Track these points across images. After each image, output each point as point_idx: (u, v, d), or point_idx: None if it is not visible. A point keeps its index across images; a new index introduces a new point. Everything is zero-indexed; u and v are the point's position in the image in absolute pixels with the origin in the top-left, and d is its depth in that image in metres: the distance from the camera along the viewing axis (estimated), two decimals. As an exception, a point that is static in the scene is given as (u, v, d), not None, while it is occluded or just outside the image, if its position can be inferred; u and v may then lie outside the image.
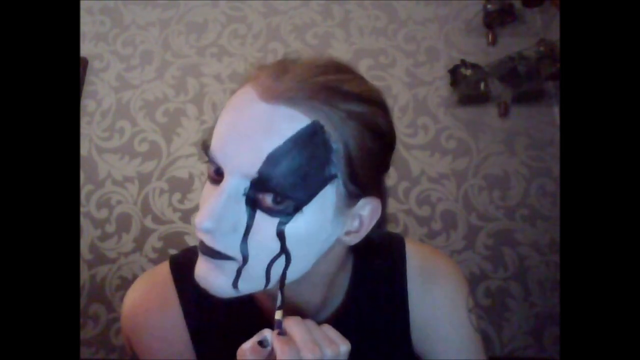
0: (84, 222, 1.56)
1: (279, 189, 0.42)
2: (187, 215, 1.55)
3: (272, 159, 0.42)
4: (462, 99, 1.61)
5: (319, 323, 0.58)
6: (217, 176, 0.46)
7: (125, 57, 1.78)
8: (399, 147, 1.58)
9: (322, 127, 0.43)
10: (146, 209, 1.56)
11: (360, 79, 0.49)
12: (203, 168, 1.58)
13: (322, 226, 0.46)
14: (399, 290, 0.61)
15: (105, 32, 1.83)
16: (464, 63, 1.57)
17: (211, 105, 1.68)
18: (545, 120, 1.57)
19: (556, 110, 1.58)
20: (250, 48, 1.76)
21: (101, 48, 1.80)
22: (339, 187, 0.45)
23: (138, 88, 1.73)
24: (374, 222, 0.50)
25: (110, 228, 1.55)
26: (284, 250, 0.45)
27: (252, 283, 0.47)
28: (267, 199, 0.43)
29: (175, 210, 1.55)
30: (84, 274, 1.50)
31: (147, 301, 0.60)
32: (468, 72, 1.56)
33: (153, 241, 1.53)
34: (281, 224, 0.44)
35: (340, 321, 0.59)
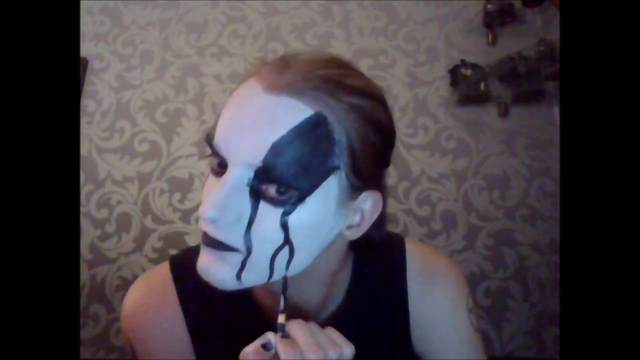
0: (84, 222, 1.56)
1: (282, 179, 0.43)
2: (187, 215, 1.55)
3: (276, 149, 0.42)
4: (462, 99, 1.61)
5: (320, 323, 0.58)
6: (220, 169, 0.46)
7: (125, 57, 1.78)
8: (399, 147, 1.58)
9: (325, 119, 0.43)
10: (146, 209, 1.56)
11: (360, 74, 0.49)
12: (203, 168, 1.59)
13: (325, 218, 0.46)
14: (399, 290, 0.61)
15: (105, 32, 1.83)
16: (464, 63, 1.57)
17: (211, 105, 1.68)
18: (545, 120, 1.57)
19: (556, 110, 1.58)
20: (250, 48, 1.76)
21: (101, 48, 1.80)
22: (342, 179, 0.45)
23: (138, 88, 1.73)
24: (375, 217, 0.51)
25: (110, 228, 1.55)
26: (287, 241, 0.45)
27: (255, 275, 0.47)
28: (271, 190, 0.44)
29: (175, 210, 1.55)
30: (84, 274, 1.50)
31: (147, 301, 0.60)
32: (468, 72, 1.56)
33: (153, 241, 1.53)
34: (285, 215, 0.44)
35: (341, 320, 0.59)
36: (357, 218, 0.50)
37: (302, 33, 1.77)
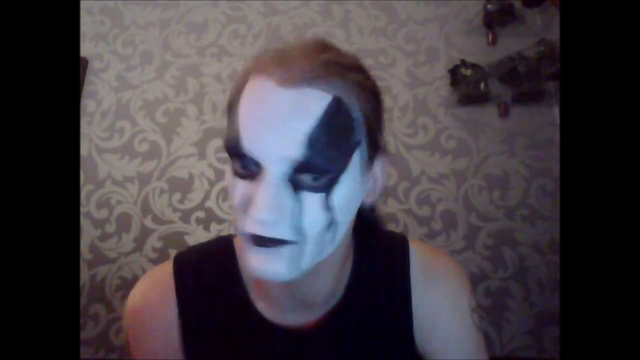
0: (84, 222, 1.56)
1: (319, 167, 0.45)
2: (187, 215, 1.55)
3: (310, 140, 0.44)
4: (462, 99, 1.61)
5: (320, 317, 0.59)
6: (245, 170, 0.47)
7: (125, 57, 1.78)
8: (399, 147, 1.58)
9: (342, 100, 0.46)
10: (146, 209, 1.56)
11: (343, 51, 0.52)
12: (203, 168, 1.59)
13: (355, 190, 0.49)
14: (401, 288, 0.61)
15: (105, 32, 1.83)
16: (464, 63, 1.57)
17: (211, 105, 1.68)
18: (545, 120, 1.57)
19: (556, 110, 1.58)
20: (250, 48, 1.76)
21: (101, 48, 1.80)
22: (362, 151, 0.49)
23: (138, 88, 1.73)
24: (384, 180, 0.55)
25: (110, 228, 1.55)
26: (332, 221, 0.48)
27: (310, 258, 0.49)
28: (309, 178, 0.46)
29: (175, 210, 1.55)
30: (84, 274, 1.50)
31: (148, 299, 0.61)
32: (468, 72, 1.55)
33: (153, 241, 1.53)
34: (326, 198, 0.47)
35: (340, 316, 0.60)
36: (371, 183, 0.53)
37: (302, 33, 1.77)
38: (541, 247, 1.44)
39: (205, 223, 1.54)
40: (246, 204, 0.47)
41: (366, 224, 0.61)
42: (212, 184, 1.58)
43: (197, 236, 1.52)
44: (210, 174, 1.59)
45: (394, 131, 1.60)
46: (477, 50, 1.67)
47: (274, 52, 0.49)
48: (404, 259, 0.62)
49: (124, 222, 1.55)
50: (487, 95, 1.59)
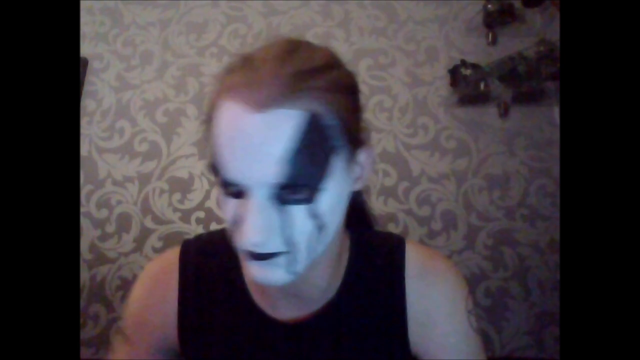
0: (84, 222, 1.56)
1: (301, 183, 0.46)
2: (187, 215, 1.55)
3: (288, 162, 0.45)
4: (462, 99, 1.61)
5: (314, 313, 0.60)
6: (232, 190, 0.48)
7: (125, 57, 1.78)
8: (399, 147, 1.58)
9: (314, 114, 0.46)
10: (146, 209, 1.56)
11: (313, 47, 0.52)
12: (203, 168, 1.59)
13: (341, 188, 0.50)
14: (396, 289, 0.61)
15: (105, 32, 1.83)
16: (464, 63, 1.57)
17: (211, 105, 1.68)
18: (545, 120, 1.57)
19: (556, 110, 1.58)
20: (250, 48, 1.75)
21: (101, 48, 1.80)
22: (342, 152, 0.49)
23: (138, 88, 1.73)
24: (371, 164, 0.55)
25: (110, 228, 1.55)
26: (321, 226, 0.49)
27: (304, 262, 0.51)
28: (293, 194, 0.47)
29: (175, 210, 1.55)
30: (84, 274, 1.50)
31: (153, 283, 0.64)
32: (468, 72, 1.55)
33: (153, 241, 1.53)
34: (312, 208, 0.48)
35: (333, 313, 0.60)
36: (358, 170, 0.54)
37: (302, 33, 1.77)
38: (541, 247, 1.44)
39: (205, 223, 1.54)
40: (238, 222, 0.49)
41: (357, 212, 0.63)
42: (212, 184, 1.58)
43: (197, 236, 1.52)
44: (210, 174, 1.59)
45: (394, 131, 1.60)
46: (477, 50, 1.67)
47: (240, 68, 0.49)
48: (399, 258, 0.62)
49: (124, 222, 1.55)
50: (487, 95, 1.59)
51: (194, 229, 1.53)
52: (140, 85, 1.73)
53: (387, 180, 1.55)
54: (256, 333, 0.61)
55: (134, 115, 1.69)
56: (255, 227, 0.46)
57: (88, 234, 1.54)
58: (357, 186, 0.55)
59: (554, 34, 1.57)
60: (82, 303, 1.47)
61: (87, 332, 1.44)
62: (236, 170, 0.46)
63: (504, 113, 1.58)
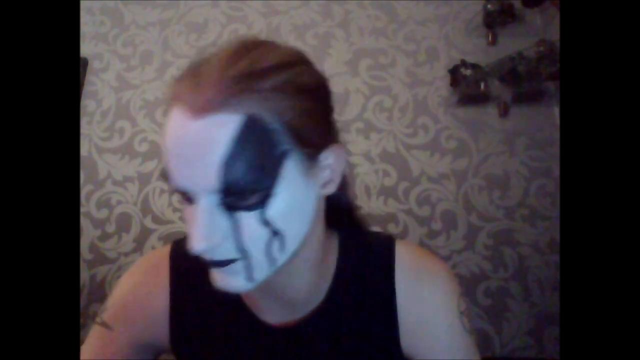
0: (84, 222, 1.56)
1: (245, 189, 0.44)
2: (187, 215, 1.55)
3: (226, 167, 0.43)
4: (462, 99, 1.61)
5: (303, 317, 0.59)
6: (183, 197, 0.48)
7: (125, 57, 1.78)
8: (399, 147, 1.58)
9: (254, 118, 0.44)
10: (146, 209, 1.56)
11: (272, 46, 0.50)
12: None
13: (298, 194, 0.48)
14: (386, 290, 0.61)
15: (105, 32, 1.83)
16: (464, 63, 1.57)
17: (211, 105, 1.68)
18: (545, 120, 1.57)
19: (556, 110, 1.58)
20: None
21: (101, 48, 1.80)
22: (296, 156, 0.47)
23: (138, 88, 1.73)
24: (343, 167, 0.53)
25: (110, 228, 1.55)
26: (275, 232, 0.48)
27: (263, 270, 0.49)
28: (239, 200, 0.45)
29: (175, 210, 1.55)
30: (84, 274, 1.50)
31: (142, 280, 0.64)
32: (468, 72, 1.55)
33: (153, 241, 1.53)
34: (262, 213, 0.46)
35: (323, 315, 0.60)
36: (327, 174, 0.52)
37: (302, 33, 1.77)
38: (541, 247, 1.44)
39: (205, 223, 1.53)
40: (189, 227, 0.48)
41: (343, 214, 0.62)
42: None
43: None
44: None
45: (394, 131, 1.60)
46: (477, 50, 1.67)
47: (188, 73, 0.47)
48: (389, 259, 0.61)
49: (124, 222, 1.55)
50: (487, 95, 1.59)
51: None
52: (140, 85, 1.73)
53: (387, 180, 1.55)
54: (246, 336, 0.61)
55: (134, 115, 1.69)
56: (199, 233, 0.45)
57: (88, 234, 1.54)
58: (330, 189, 0.53)
59: (554, 34, 1.57)
60: (82, 303, 1.47)
61: (87, 332, 1.44)
62: (180, 177, 0.45)
63: (504, 113, 1.58)
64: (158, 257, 0.65)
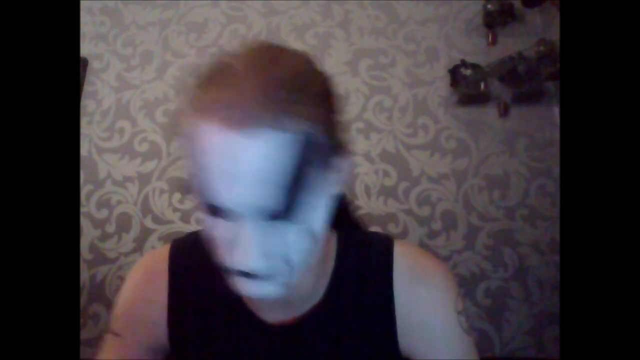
0: (84, 222, 1.56)
1: (298, 206, 0.45)
2: (187, 215, 1.55)
3: (282, 187, 0.43)
4: (462, 99, 1.61)
5: (301, 315, 0.59)
6: (221, 213, 0.46)
7: (125, 57, 1.78)
8: (399, 147, 1.58)
9: (305, 133, 0.43)
10: (146, 209, 1.56)
11: (290, 55, 0.48)
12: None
13: (326, 199, 0.49)
14: (384, 290, 0.61)
15: (105, 32, 1.83)
16: (464, 63, 1.57)
17: (211, 105, 1.68)
18: (545, 120, 1.57)
19: (556, 110, 1.58)
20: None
21: (101, 48, 1.80)
22: (329, 165, 0.48)
23: (138, 88, 1.73)
24: (348, 164, 0.53)
25: (110, 228, 1.55)
26: (317, 240, 0.49)
27: (298, 275, 0.51)
28: (287, 214, 0.45)
29: (175, 210, 1.55)
30: (84, 274, 1.50)
31: (143, 279, 0.64)
32: (468, 72, 1.55)
33: (153, 241, 1.53)
34: (308, 225, 0.47)
35: (321, 314, 0.60)
36: (340, 176, 0.53)
37: (302, 33, 1.77)
38: (541, 247, 1.44)
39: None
40: (229, 244, 0.47)
41: (343, 213, 0.62)
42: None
43: (197, 236, 1.52)
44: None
45: (394, 131, 1.60)
46: (477, 50, 1.67)
47: (216, 82, 0.44)
48: (387, 259, 0.61)
49: (124, 222, 1.55)
50: (487, 95, 1.59)
51: (194, 229, 1.53)
52: (140, 85, 1.73)
53: (387, 180, 1.55)
54: (245, 335, 0.61)
55: (134, 115, 1.69)
56: (252, 252, 0.45)
57: (88, 234, 1.54)
58: (337, 189, 0.53)
59: (554, 34, 1.57)
60: (82, 303, 1.47)
61: (87, 332, 1.44)
62: (224, 196, 0.43)
63: (504, 113, 1.58)
64: (156, 259, 0.65)
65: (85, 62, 1.77)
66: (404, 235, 1.49)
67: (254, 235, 0.45)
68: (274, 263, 0.47)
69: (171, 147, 1.63)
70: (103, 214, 1.56)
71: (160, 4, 1.85)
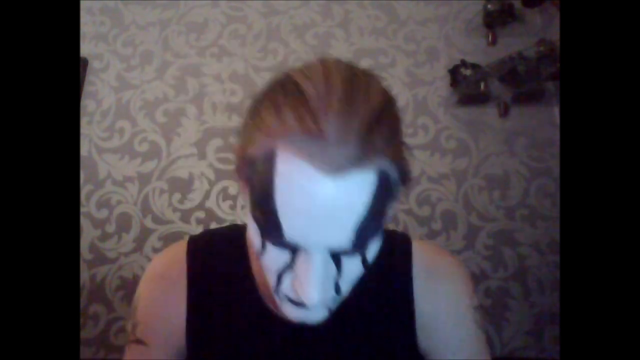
0: (84, 222, 1.56)
1: (364, 243, 0.44)
2: (187, 215, 1.55)
3: (359, 229, 0.42)
4: (462, 99, 1.61)
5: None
6: (283, 244, 0.45)
7: (125, 57, 1.78)
8: (399, 147, 1.58)
9: (383, 171, 0.42)
10: (146, 209, 1.56)
11: (367, 80, 0.46)
12: (203, 168, 1.59)
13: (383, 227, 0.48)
14: (404, 287, 0.61)
15: (105, 32, 1.83)
16: (464, 63, 1.57)
17: (211, 105, 1.68)
18: (545, 120, 1.57)
19: (556, 110, 1.58)
20: (250, 48, 1.76)
21: (101, 48, 1.80)
22: (394, 197, 0.47)
23: (138, 88, 1.73)
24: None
25: (110, 228, 1.55)
26: (365, 266, 0.48)
27: (341, 300, 0.51)
28: (354, 252, 0.45)
29: (175, 210, 1.55)
30: (84, 274, 1.50)
31: (161, 271, 0.63)
32: (468, 72, 1.55)
33: (153, 241, 1.53)
34: (364, 255, 0.46)
35: (342, 314, 0.60)
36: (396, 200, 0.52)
37: (302, 33, 1.77)
38: (541, 247, 1.44)
39: (205, 223, 1.54)
40: (283, 271, 0.47)
41: None
42: (212, 184, 1.58)
43: (197, 236, 1.52)
44: (210, 174, 1.59)
45: (394, 131, 1.60)
46: (477, 50, 1.67)
47: (294, 108, 0.41)
48: (406, 257, 0.62)
49: (124, 222, 1.55)
50: (487, 95, 1.59)
51: (194, 229, 1.53)
52: (140, 85, 1.73)
53: (387, 180, 1.54)
54: (263, 331, 0.61)
55: (134, 115, 1.69)
56: (314, 288, 0.44)
57: (88, 234, 1.54)
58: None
59: (554, 34, 1.57)
60: (82, 303, 1.47)
61: (87, 332, 1.44)
62: (300, 235, 0.42)
63: (504, 113, 1.58)
64: (174, 258, 0.64)
65: (85, 62, 1.77)
66: (404, 235, 1.49)
67: (319, 271, 0.44)
68: (327, 294, 0.46)
69: (171, 147, 1.63)
70: (103, 214, 1.56)
71: (160, 4, 1.85)
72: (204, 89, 1.71)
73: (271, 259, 0.47)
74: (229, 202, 1.55)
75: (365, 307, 0.61)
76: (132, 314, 0.63)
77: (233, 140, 1.61)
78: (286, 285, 0.47)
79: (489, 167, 1.54)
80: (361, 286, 0.61)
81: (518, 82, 1.53)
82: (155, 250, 1.52)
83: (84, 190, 1.59)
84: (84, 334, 1.43)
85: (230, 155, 1.60)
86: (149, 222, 1.55)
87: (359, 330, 0.61)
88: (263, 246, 0.47)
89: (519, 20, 1.67)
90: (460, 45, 1.70)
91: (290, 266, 0.46)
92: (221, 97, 1.69)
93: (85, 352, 1.42)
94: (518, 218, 1.48)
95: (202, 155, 1.61)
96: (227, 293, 0.62)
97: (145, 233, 1.53)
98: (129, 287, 1.48)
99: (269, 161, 0.42)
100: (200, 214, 1.54)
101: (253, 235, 0.48)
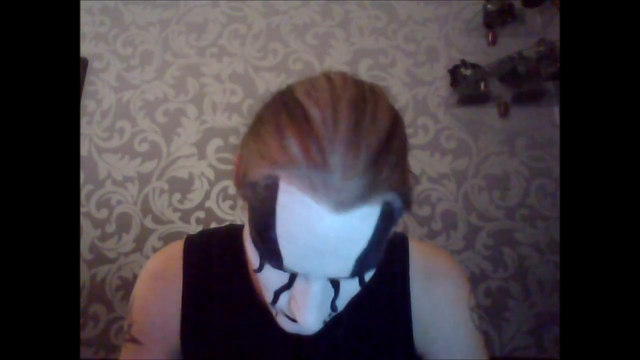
0: (84, 222, 1.56)
1: (364, 271, 0.44)
2: (187, 215, 1.55)
3: (360, 261, 0.42)
4: (462, 99, 1.61)
5: None
6: (286, 269, 0.44)
7: (125, 57, 1.78)
8: (399, 147, 1.58)
9: (388, 203, 0.41)
10: (146, 209, 1.56)
11: (381, 102, 0.44)
12: (203, 168, 1.59)
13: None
14: (400, 288, 0.61)
15: (105, 32, 1.83)
16: (464, 63, 1.57)
17: (211, 105, 1.68)
18: (545, 120, 1.57)
19: (556, 110, 1.58)
20: (250, 48, 1.76)
21: (101, 48, 1.80)
22: (396, 224, 0.46)
23: (138, 88, 1.73)
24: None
25: (110, 228, 1.55)
26: (363, 285, 0.47)
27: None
28: (353, 277, 0.44)
29: (175, 210, 1.55)
30: (84, 274, 1.50)
31: (157, 274, 0.63)
32: (468, 72, 1.55)
33: (153, 241, 1.53)
34: (362, 277, 0.46)
35: (340, 317, 0.60)
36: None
37: (302, 33, 1.77)
38: (541, 247, 1.44)
39: (205, 223, 1.54)
40: (281, 291, 0.47)
41: None
42: (212, 184, 1.58)
43: (197, 236, 1.52)
44: (210, 174, 1.59)
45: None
46: (477, 50, 1.67)
47: (298, 135, 0.39)
48: (403, 257, 0.62)
49: (124, 222, 1.55)
50: (487, 95, 1.59)
51: (194, 229, 1.53)
52: (140, 85, 1.73)
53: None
54: (259, 331, 0.61)
55: (134, 115, 1.69)
56: (312, 311, 0.44)
57: (88, 234, 1.54)
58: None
59: (554, 34, 1.57)
60: (82, 303, 1.47)
61: (87, 332, 1.44)
62: (300, 266, 0.42)
63: (504, 113, 1.58)
64: (170, 257, 0.64)
65: (85, 62, 1.77)
66: (404, 235, 1.49)
67: (317, 297, 0.44)
68: (324, 314, 0.46)
69: (171, 147, 1.63)
70: (103, 214, 1.56)
71: (160, 4, 1.85)
72: (204, 89, 1.71)
73: (268, 279, 0.47)
74: (229, 202, 1.55)
75: (361, 308, 0.61)
76: (128, 313, 0.63)
77: (233, 140, 1.61)
78: (282, 303, 0.47)
79: (489, 167, 1.54)
80: None
81: (518, 82, 1.53)
82: (155, 250, 1.52)
83: (84, 190, 1.59)
84: (84, 334, 1.43)
85: (231, 156, 1.60)
86: (149, 222, 1.55)
87: (357, 331, 0.61)
88: (261, 266, 0.46)
89: (519, 20, 1.67)
90: (460, 45, 1.70)
91: (287, 287, 0.46)
92: (221, 97, 1.69)
93: (85, 352, 1.42)
94: (518, 218, 1.48)
95: (202, 155, 1.61)
96: (223, 293, 0.62)
97: (145, 233, 1.53)
98: (129, 287, 1.48)
99: (270, 189, 0.40)
100: (200, 214, 1.54)
101: (251, 253, 0.47)
